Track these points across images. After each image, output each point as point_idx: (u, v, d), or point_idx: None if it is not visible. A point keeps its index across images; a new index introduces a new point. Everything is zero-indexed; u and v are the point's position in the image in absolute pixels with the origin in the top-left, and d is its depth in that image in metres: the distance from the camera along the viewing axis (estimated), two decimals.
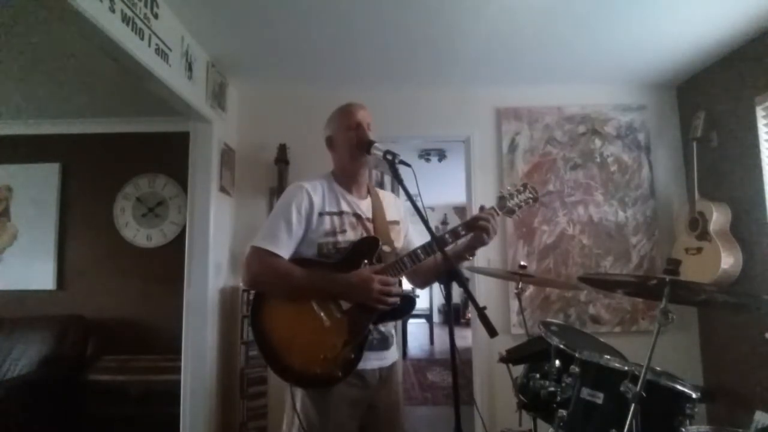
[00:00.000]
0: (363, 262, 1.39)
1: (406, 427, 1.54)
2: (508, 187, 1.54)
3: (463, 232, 1.41)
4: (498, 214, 1.46)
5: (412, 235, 1.64)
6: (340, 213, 1.44)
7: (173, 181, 3.57)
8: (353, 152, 1.45)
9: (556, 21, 2.35)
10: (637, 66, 2.87)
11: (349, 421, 1.37)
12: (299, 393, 1.37)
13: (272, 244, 1.36)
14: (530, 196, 1.53)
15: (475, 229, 1.40)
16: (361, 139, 1.44)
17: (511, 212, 1.50)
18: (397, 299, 1.37)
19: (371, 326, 1.37)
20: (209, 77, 2.68)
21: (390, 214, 1.55)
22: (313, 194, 1.42)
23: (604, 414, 1.44)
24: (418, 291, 1.58)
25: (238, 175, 3.08)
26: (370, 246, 1.42)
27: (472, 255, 1.48)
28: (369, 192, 1.56)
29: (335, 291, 1.35)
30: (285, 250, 1.37)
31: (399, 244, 1.54)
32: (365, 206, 1.51)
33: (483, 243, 1.41)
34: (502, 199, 1.50)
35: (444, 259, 1.28)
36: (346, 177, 1.51)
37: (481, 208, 1.46)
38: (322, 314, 1.35)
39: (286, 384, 1.37)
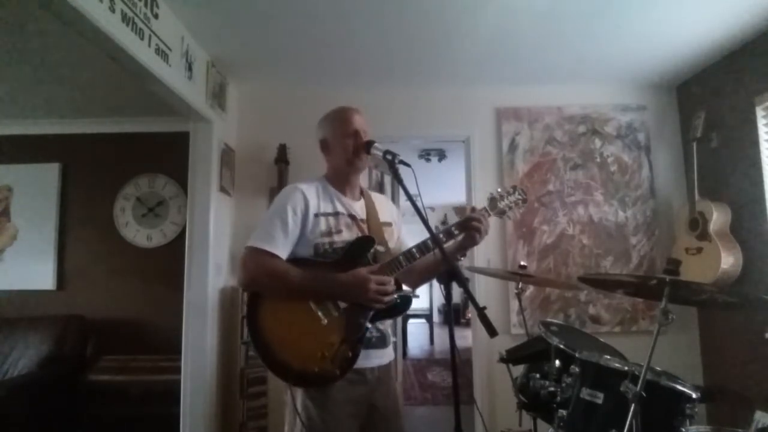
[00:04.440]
0: (359, 262, 1.39)
1: (406, 429, 1.53)
2: (498, 189, 1.55)
3: (456, 232, 1.43)
4: (489, 215, 1.48)
5: (405, 237, 1.65)
6: (336, 214, 1.45)
7: (173, 181, 3.57)
8: (350, 159, 1.47)
9: (557, 21, 2.35)
10: (637, 66, 2.87)
11: (349, 419, 1.37)
12: (299, 393, 1.37)
13: (268, 243, 1.35)
14: (520, 197, 1.56)
15: (468, 229, 1.42)
16: (359, 147, 1.46)
17: (501, 213, 1.53)
18: (393, 297, 1.37)
19: (369, 324, 1.38)
20: (209, 77, 2.68)
21: (383, 216, 1.56)
22: (308, 195, 1.42)
23: (604, 414, 1.44)
24: (417, 291, 1.59)
25: (238, 175, 3.08)
26: (365, 245, 1.42)
27: (464, 255, 1.51)
28: (362, 194, 1.57)
29: (331, 292, 1.36)
30: (282, 250, 1.37)
31: (392, 244, 1.55)
32: (359, 207, 1.52)
33: (474, 243, 1.44)
34: (492, 200, 1.52)
35: (443, 257, 1.30)
36: (340, 180, 1.52)
37: (473, 209, 1.50)
38: (319, 313, 1.35)
39: (285, 384, 1.36)
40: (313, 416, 1.33)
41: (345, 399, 1.35)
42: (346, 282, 1.34)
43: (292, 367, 1.31)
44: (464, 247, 1.46)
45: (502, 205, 1.52)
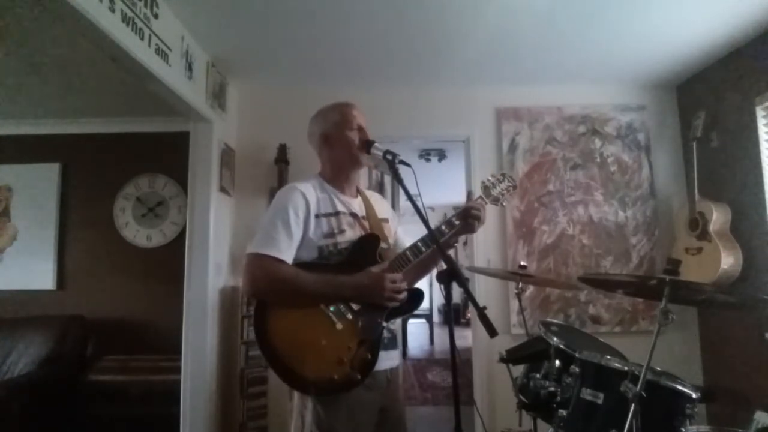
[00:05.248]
0: (368, 261, 1.37)
1: (406, 427, 1.52)
2: (489, 177, 1.59)
3: (457, 222, 1.44)
4: (486, 203, 1.51)
5: (401, 233, 1.64)
6: (336, 213, 1.42)
7: (173, 181, 3.57)
8: (354, 153, 1.45)
9: (556, 21, 2.35)
10: (637, 66, 2.87)
11: (362, 426, 1.33)
12: (309, 399, 1.31)
13: (272, 248, 1.29)
14: (510, 184, 1.61)
15: (468, 218, 1.44)
16: (364, 141, 1.45)
17: (496, 200, 1.57)
18: (406, 294, 1.36)
19: (384, 323, 1.36)
20: (209, 77, 2.68)
21: (380, 212, 1.55)
22: (308, 196, 1.38)
23: (604, 414, 1.44)
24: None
25: (238, 175, 3.08)
26: (371, 244, 1.40)
27: (456, 242, 1.53)
28: (358, 191, 1.56)
29: (346, 294, 1.32)
30: (287, 254, 1.31)
31: (391, 240, 1.54)
32: (358, 205, 1.50)
33: (472, 231, 1.47)
34: (486, 188, 1.55)
35: (443, 257, 1.30)
36: (339, 177, 1.49)
37: (469, 196, 1.51)
38: (333, 317, 1.30)
39: (290, 389, 1.33)
40: (324, 423, 1.28)
41: (357, 404, 1.30)
42: (362, 282, 1.31)
43: (310, 376, 1.25)
44: (459, 234, 1.47)
45: (495, 192, 1.56)
